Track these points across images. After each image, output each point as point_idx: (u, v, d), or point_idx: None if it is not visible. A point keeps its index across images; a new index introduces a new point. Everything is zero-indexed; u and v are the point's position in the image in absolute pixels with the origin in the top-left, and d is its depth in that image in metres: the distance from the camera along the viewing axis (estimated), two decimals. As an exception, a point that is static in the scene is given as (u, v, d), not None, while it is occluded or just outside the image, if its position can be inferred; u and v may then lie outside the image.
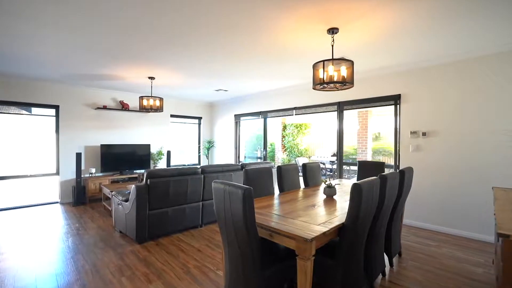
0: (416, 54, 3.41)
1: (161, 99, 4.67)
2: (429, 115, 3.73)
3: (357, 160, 7.96)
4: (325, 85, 2.71)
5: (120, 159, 5.76)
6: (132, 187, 3.16)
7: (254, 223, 1.59)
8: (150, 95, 4.54)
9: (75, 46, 3.11)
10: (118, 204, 3.47)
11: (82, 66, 3.94)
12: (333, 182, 2.69)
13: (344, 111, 4.81)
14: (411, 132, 3.90)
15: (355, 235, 1.80)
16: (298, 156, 10.30)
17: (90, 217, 4.29)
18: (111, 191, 4.18)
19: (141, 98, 4.56)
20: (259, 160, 9.84)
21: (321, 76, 2.67)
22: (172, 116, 6.93)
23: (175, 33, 2.75)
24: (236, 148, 7.08)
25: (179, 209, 3.47)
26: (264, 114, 6.25)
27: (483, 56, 3.26)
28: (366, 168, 3.75)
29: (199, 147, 7.68)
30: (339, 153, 4.91)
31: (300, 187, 3.19)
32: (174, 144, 7.18)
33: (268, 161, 5.71)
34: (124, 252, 2.92)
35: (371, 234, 2.10)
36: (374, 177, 2.01)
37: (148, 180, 3.18)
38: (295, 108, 5.53)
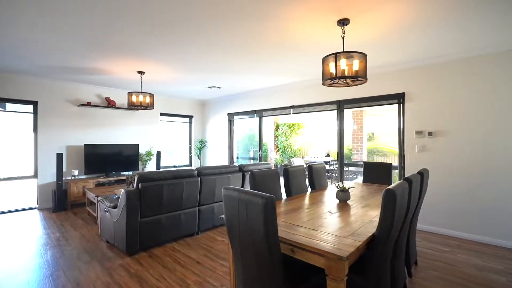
0: (424, 51, 3.26)
1: (151, 96, 4.32)
2: (435, 115, 3.60)
3: (352, 160, 7.88)
4: (335, 80, 2.51)
5: (106, 160, 5.34)
6: (122, 192, 2.82)
7: (277, 238, 1.33)
8: (139, 91, 4.19)
9: (56, 31, 2.73)
10: (105, 210, 3.12)
11: (64, 57, 3.54)
12: (346, 184, 2.47)
13: (344, 110, 4.64)
14: (416, 132, 3.76)
15: (386, 247, 1.58)
16: (292, 157, 10.12)
17: (73, 224, 3.88)
18: (97, 196, 3.80)
19: (130, 94, 4.19)
20: (252, 161, 9.59)
21: (331, 70, 2.46)
22: (162, 114, 6.55)
23: (168, 20, 2.45)
24: (229, 148, 6.79)
25: (173, 216, 3.16)
26: (259, 113, 6.00)
27: (494, 54, 3.15)
28: (372, 169, 3.58)
29: (190, 147, 7.33)
30: (340, 153, 4.74)
31: (307, 190, 2.96)
32: (164, 144, 6.80)
33: (266, 162, 5.46)
34: (112, 266, 2.58)
35: (396, 244, 1.89)
36: (402, 181, 1.80)
37: (140, 184, 2.85)
38: (292, 107, 5.32)
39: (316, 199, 2.52)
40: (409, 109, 3.84)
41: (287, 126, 10.20)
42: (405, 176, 3.86)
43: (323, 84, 2.58)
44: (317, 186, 3.11)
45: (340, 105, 4.61)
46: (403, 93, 3.88)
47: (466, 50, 3.24)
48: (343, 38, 2.51)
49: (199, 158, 7.26)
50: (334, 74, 2.42)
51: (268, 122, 9.94)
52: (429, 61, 3.59)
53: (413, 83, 3.79)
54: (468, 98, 3.35)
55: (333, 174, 7.14)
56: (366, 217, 1.93)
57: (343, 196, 2.41)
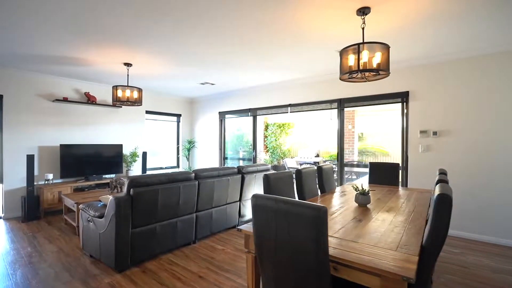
0: (434, 48, 3.17)
1: (139, 90, 3.91)
2: (440, 114, 3.54)
3: (345, 161, 7.80)
4: (353, 74, 2.32)
5: (85, 162, 4.82)
6: (110, 199, 2.44)
7: (327, 258, 1.08)
8: (126, 85, 3.77)
9: (25, 10, 2.30)
10: (89, 220, 2.70)
11: (36, 42, 3.07)
12: (364, 187, 2.29)
13: (344, 109, 4.50)
14: (420, 132, 3.68)
15: (435, 259, 1.39)
16: (282, 157, 9.95)
17: (47, 236, 3.39)
18: (76, 203, 3.35)
19: (115, 88, 3.76)
20: (241, 162, 9.30)
21: (350, 63, 2.27)
22: (148, 112, 6.08)
23: (161, 6, 2.13)
24: (220, 149, 6.47)
25: (169, 224, 2.81)
26: (253, 112, 5.74)
27: (505, 53, 3.12)
28: (380, 170, 3.46)
29: (178, 147, 6.90)
30: (340, 154, 4.59)
31: (318, 193, 2.75)
32: (150, 145, 6.33)
33: (264, 163, 5.21)
34: (99, 286, 2.20)
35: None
36: (447, 185, 1.62)
37: (131, 189, 2.48)
38: (290, 105, 5.11)
39: (333, 204, 2.30)
40: (413, 108, 3.76)
41: (276, 126, 10.02)
42: (408, 176, 3.79)
43: (340, 79, 2.39)
44: (327, 188, 2.91)
45: (341, 104, 4.47)
46: (407, 92, 3.79)
47: (477, 48, 3.19)
48: (363, 28, 2.31)
49: (188, 159, 6.86)
50: (353, 67, 2.24)
51: (257, 121, 9.69)
52: (435, 59, 3.52)
53: (417, 81, 3.71)
54: (474, 97, 3.30)
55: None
56: (399, 224, 1.74)
57: (363, 199, 2.21)
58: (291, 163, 7.99)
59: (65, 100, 4.61)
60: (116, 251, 2.40)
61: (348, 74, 2.30)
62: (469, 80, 3.33)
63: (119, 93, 3.79)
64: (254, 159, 5.91)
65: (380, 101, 4.10)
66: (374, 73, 2.25)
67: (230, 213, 3.58)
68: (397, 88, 3.88)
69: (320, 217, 1.00)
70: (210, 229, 3.31)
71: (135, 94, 3.89)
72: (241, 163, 9.29)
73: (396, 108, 7.50)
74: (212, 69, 4.17)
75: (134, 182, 2.52)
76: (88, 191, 4.38)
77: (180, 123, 6.89)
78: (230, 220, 3.59)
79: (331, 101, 4.58)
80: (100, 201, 2.99)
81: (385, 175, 3.38)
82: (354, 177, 6.60)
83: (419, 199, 2.48)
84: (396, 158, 8.27)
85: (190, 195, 2.99)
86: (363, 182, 3.33)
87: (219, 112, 6.39)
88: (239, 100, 5.95)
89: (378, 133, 8.49)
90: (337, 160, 4.63)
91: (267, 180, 2.04)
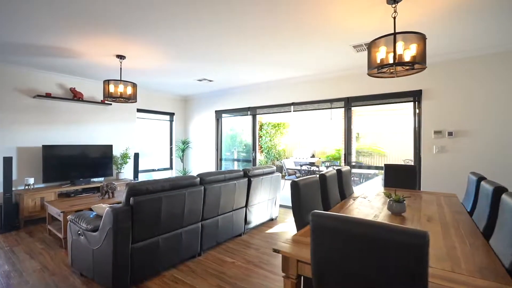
0: (453, 43, 3.02)
1: (134, 86, 3.54)
2: (456, 114, 3.40)
3: (384, 164, 7.64)
4: (384, 68, 2.10)
5: (71, 164, 4.37)
6: (106, 210, 2.09)
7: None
8: (119, 79, 3.39)
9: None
10: (79, 234, 2.34)
11: (14, 28, 2.65)
12: (399, 194, 2.07)
13: (351, 108, 4.32)
14: (435, 132, 3.54)
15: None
16: (277, 158, 9.72)
17: (29, 250, 2.97)
18: (63, 212, 2.95)
19: (107, 82, 3.38)
20: (236, 163, 8.99)
21: (382, 56, 2.05)
22: (139, 110, 5.67)
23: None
24: (217, 149, 6.15)
25: (173, 236, 2.49)
26: (253, 111, 5.47)
27: (520, 50, 3.01)
28: (396, 172, 3.27)
29: (171, 148, 6.51)
30: (348, 155, 4.40)
31: (339, 199, 2.51)
32: (142, 145, 5.91)
33: (270, 165, 4.94)
34: (95, 315, 1.86)
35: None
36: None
37: (131, 198, 2.15)
38: (293, 104, 4.87)
39: (364, 212, 2.07)
40: (427, 108, 3.61)
41: (271, 126, 9.77)
42: (421, 178, 3.64)
43: (368, 74, 2.17)
44: (347, 193, 2.68)
45: (349, 102, 4.27)
46: (420, 90, 3.64)
47: (494, 46, 3.06)
48: (394, 18, 2.10)
49: (182, 160, 6.48)
50: (385, 60, 2.03)
51: (257, 121, 9.41)
52: (450, 57, 3.38)
53: (431, 79, 3.56)
54: (491, 96, 3.18)
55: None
56: (455, 237, 1.52)
57: (398, 208, 1.99)
58: (289, 164, 7.76)
59: (48, 96, 4.15)
60: (114, 270, 2.06)
61: (378, 68, 2.08)
62: (486, 78, 3.21)
63: (111, 88, 3.41)
64: (254, 161, 5.63)
65: (390, 100, 3.94)
66: (407, 67, 2.04)
67: (236, 221, 3.29)
68: (409, 87, 3.72)
69: (422, 245, 0.75)
70: (216, 238, 3.01)
71: (129, 90, 3.52)
72: (236, 165, 9.00)
73: (396, 108, 7.45)
74: (212, 65, 3.86)
75: (134, 189, 2.18)
76: (75, 197, 3.95)
77: (174, 122, 6.50)
78: (236, 228, 3.30)
79: (337, 100, 4.38)
80: (92, 210, 2.62)
81: (402, 177, 3.20)
82: (356, 178, 6.45)
83: (451, 204, 2.30)
84: (395, 158, 8.24)
85: (196, 203, 2.67)
86: (372, 186, 3.13)
87: (216, 111, 6.07)
88: (238, 98, 5.65)
89: (375, 133, 8.43)
90: (344, 162, 4.43)
91: (296, 188, 1.77)
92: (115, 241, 2.03)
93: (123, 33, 2.73)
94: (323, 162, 7.78)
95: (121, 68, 3.54)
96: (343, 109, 4.40)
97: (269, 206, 3.94)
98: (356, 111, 8.13)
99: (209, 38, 2.86)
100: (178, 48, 3.15)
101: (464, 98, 3.35)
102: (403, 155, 8.29)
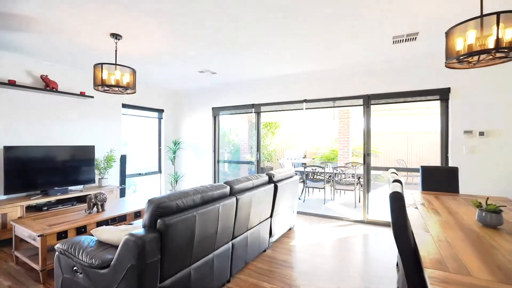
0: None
1: (133, 72, 2.86)
2: (488, 113, 3.25)
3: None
4: (467, 57, 1.77)
5: (42, 170, 3.52)
6: (125, 239, 1.47)
7: None
8: (114, 63, 2.68)
9: None
10: (76, 271, 1.67)
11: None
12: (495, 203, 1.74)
13: (371, 106, 4.03)
14: (464, 132, 3.37)
15: None
16: (268, 159, 9.30)
17: (-9, 290, 2.18)
18: (41, 235, 2.22)
19: (99, 67, 2.66)
20: (226, 166, 8.44)
21: (470, 41, 1.71)
22: (124, 106, 4.87)
23: None
24: (214, 150, 5.54)
25: (205, 264, 1.93)
26: (257, 108, 4.97)
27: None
28: (435, 175, 2.99)
29: (159, 149, 5.76)
30: (366, 156, 4.12)
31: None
32: (127, 146, 5.11)
33: (289, 168, 4.48)
34: None
35: None
36: None
37: (159, 220, 1.55)
38: (305, 101, 4.48)
39: (448, 224, 1.70)
40: (455, 106, 3.43)
41: (263, 125, 9.33)
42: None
43: (446, 65, 1.83)
44: (404, 201, 2.32)
45: (368, 100, 3.98)
46: (449, 88, 3.45)
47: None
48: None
49: (173, 162, 5.76)
50: (474, 46, 1.70)
51: (242, 120, 8.91)
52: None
53: (460, 76, 3.38)
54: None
55: (357, 182, 6.41)
56: None
57: (495, 219, 1.65)
58: (288, 165, 7.38)
59: (11, 84, 3.26)
60: (136, 323, 1.45)
61: (457, 58, 1.74)
62: (521, 76, 3.09)
63: (104, 74, 2.69)
64: (259, 163, 5.14)
65: (414, 98, 3.71)
66: (505, 53, 1.72)
67: (262, 235, 2.80)
68: (435, 84, 3.52)
69: None
70: (245, 259, 2.49)
71: (127, 78, 2.83)
72: (226, 167, 8.41)
73: (394, 107, 7.44)
74: (220, 53, 3.28)
75: (162, 208, 1.59)
76: (49, 211, 3.15)
77: (163, 120, 5.76)
78: (262, 243, 2.81)
79: (356, 97, 4.08)
80: (92, 235, 1.95)
81: (442, 180, 2.95)
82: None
83: (528, 213, 2.04)
84: (390, 158, 8.29)
85: (228, 218, 2.13)
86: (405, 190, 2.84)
87: (213, 108, 5.46)
88: (239, 94, 5.12)
89: (373, 133, 8.39)
90: (364, 164, 4.14)
91: (401, 201, 1.33)
92: (141, 284, 1.43)
93: (125, 5, 2.09)
94: (322, 163, 7.51)
95: (116, 50, 2.82)
96: (361, 107, 4.10)
97: (289, 214, 3.50)
98: (355, 111, 8.05)
99: (222, 14, 2.31)
100: (184, 26, 2.54)
101: (496, 96, 3.20)
102: (396, 155, 8.38)
